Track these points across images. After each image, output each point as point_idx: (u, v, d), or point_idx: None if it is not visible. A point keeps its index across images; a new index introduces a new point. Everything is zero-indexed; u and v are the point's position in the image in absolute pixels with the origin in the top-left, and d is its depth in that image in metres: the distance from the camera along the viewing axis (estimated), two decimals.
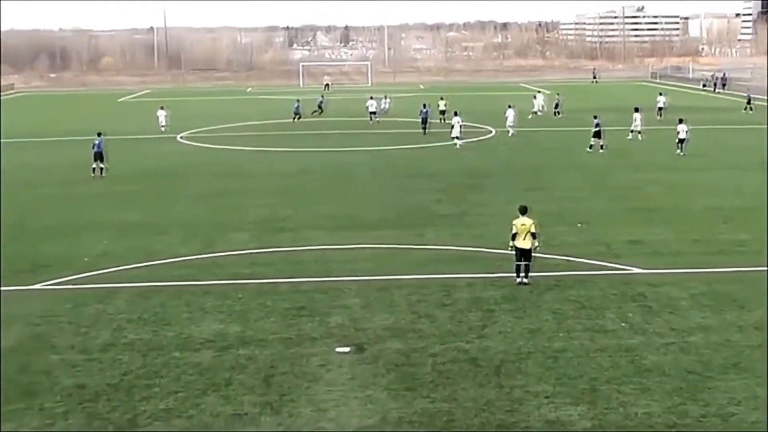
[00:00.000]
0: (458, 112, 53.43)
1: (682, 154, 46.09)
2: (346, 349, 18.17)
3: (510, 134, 56.57)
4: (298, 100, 70.62)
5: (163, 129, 61.91)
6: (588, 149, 47.68)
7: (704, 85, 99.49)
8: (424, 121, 58.14)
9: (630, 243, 27.24)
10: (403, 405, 15.45)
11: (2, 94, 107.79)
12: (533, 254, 22.68)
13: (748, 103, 72.20)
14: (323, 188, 38.48)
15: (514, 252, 22.69)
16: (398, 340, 18.73)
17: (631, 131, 53.24)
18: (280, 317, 20.37)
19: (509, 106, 58.99)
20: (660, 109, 65.99)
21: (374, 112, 66.40)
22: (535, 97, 73.05)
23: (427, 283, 22.93)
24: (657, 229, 29.18)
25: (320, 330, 19.47)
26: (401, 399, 15.71)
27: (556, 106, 70.45)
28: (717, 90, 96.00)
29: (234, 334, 19.26)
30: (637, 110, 54.05)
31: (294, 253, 26.71)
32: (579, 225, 29.83)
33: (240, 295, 22.06)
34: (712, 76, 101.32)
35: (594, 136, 47.87)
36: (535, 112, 70.17)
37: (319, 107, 72.15)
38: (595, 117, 48.61)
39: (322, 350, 18.18)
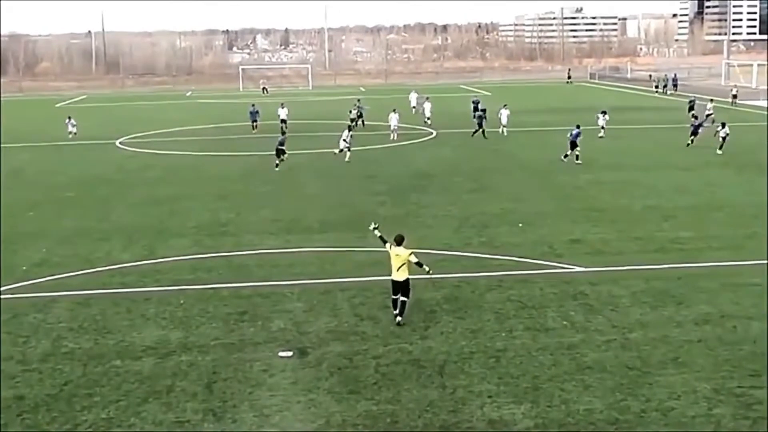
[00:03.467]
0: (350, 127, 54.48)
1: (720, 153, 46.80)
2: (289, 354, 18.12)
3: (392, 138, 55.83)
4: (253, 105, 66.02)
5: (71, 135, 61.21)
6: (563, 158, 44.96)
7: (657, 86, 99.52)
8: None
9: (572, 242, 27.51)
10: (346, 408, 15.45)
11: None
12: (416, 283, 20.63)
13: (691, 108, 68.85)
14: (265, 192, 38.27)
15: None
16: (341, 343, 18.73)
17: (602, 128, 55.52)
18: (222, 323, 20.24)
19: (393, 111, 58.26)
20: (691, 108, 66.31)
21: (285, 120, 61.34)
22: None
23: (370, 286, 22.94)
24: (598, 228, 29.50)
25: (262, 335, 19.39)
26: (344, 402, 15.71)
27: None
28: (668, 91, 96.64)
29: (176, 340, 19.11)
30: (604, 113, 56.91)
31: (236, 258, 26.54)
32: (520, 225, 30.06)
33: (182, 301, 21.87)
34: (664, 77, 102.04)
35: (571, 146, 44.64)
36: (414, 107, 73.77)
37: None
38: (578, 126, 45.65)
39: (264, 355, 18.12)
